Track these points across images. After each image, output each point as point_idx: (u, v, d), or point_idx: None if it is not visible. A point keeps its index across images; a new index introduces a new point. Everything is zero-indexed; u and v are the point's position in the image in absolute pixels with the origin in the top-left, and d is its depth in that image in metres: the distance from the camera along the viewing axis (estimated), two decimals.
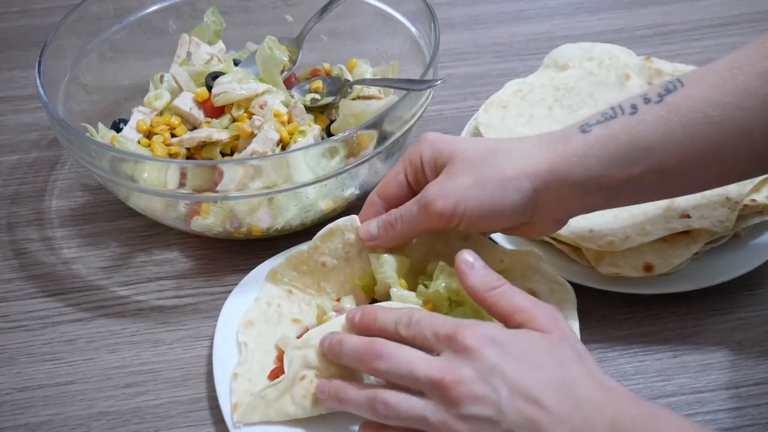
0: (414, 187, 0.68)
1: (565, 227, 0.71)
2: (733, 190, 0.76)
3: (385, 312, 0.62)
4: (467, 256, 0.61)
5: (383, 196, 0.69)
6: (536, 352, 0.56)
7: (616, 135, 0.61)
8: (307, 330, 0.69)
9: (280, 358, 0.68)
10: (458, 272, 0.61)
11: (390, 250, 0.69)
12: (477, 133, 0.87)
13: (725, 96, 0.60)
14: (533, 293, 0.66)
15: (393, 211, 0.67)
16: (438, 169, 0.65)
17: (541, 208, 0.63)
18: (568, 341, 0.57)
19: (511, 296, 0.59)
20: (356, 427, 0.62)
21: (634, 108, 0.61)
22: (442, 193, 0.62)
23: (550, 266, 0.68)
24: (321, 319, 0.70)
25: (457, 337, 0.56)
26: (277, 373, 0.67)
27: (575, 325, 0.66)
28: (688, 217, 0.74)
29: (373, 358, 0.58)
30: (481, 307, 0.61)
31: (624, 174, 0.61)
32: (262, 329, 0.71)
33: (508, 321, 0.59)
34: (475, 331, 0.56)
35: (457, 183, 0.62)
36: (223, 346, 0.70)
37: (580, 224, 0.74)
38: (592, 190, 0.61)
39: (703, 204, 0.75)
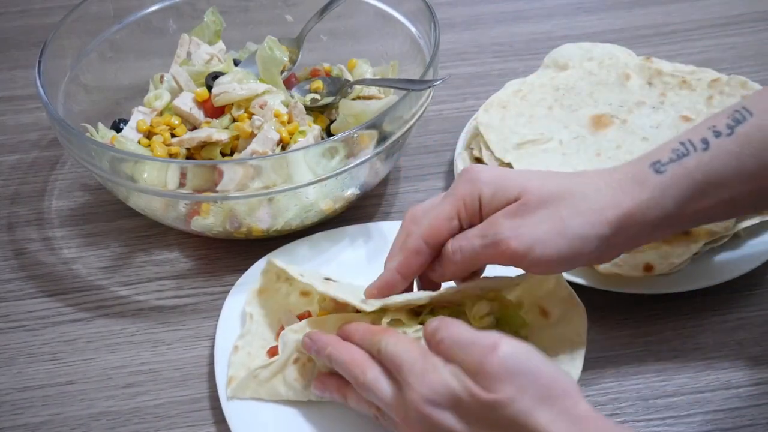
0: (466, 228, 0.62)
1: None
2: None
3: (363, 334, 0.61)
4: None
5: (432, 242, 0.61)
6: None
7: (691, 173, 0.59)
8: (308, 313, 0.69)
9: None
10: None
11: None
12: (477, 133, 0.87)
13: None
14: (544, 312, 0.66)
15: (449, 242, 0.60)
16: (500, 204, 0.59)
17: (610, 248, 0.60)
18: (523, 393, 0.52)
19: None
20: (342, 415, 0.64)
21: (706, 143, 0.60)
22: (516, 232, 0.57)
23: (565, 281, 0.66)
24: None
25: (412, 406, 0.54)
26: (275, 351, 0.67)
27: (580, 353, 0.64)
28: None
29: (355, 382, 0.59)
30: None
31: (696, 208, 0.60)
32: (269, 301, 0.71)
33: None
34: (429, 393, 0.53)
35: (534, 224, 0.57)
36: (225, 346, 0.70)
37: None
38: (663, 227, 0.61)
39: None
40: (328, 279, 0.70)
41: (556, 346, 0.64)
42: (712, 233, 0.74)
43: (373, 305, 0.61)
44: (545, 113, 0.87)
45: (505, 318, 0.65)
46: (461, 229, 0.61)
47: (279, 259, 0.72)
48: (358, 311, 0.66)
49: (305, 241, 0.79)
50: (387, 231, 0.78)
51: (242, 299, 0.73)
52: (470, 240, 0.59)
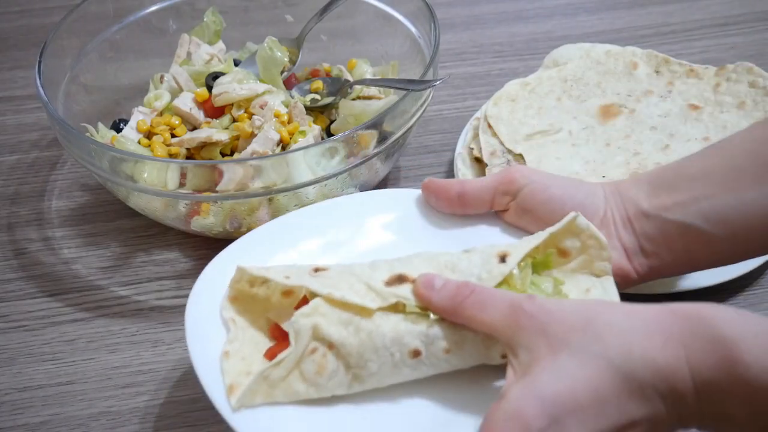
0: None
1: None
2: None
3: None
4: (425, 278, 0.57)
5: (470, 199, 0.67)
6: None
7: (663, 170, 0.65)
8: (305, 300, 0.59)
9: (274, 334, 0.60)
10: (421, 299, 0.57)
11: None
12: (477, 134, 0.87)
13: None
14: (564, 252, 0.62)
15: None
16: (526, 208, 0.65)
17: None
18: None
19: (481, 308, 0.54)
20: (376, 406, 0.57)
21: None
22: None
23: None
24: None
25: None
26: (275, 351, 0.59)
27: (610, 283, 0.61)
28: None
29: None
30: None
31: (670, 200, 0.62)
32: (248, 306, 0.62)
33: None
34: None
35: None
36: (203, 354, 0.60)
37: None
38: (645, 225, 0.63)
39: None
40: (318, 269, 0.61)
41: (584, 282, 0.61)
42: None
43: (385, 300, 0.56)
44: (554, 104, 0.87)
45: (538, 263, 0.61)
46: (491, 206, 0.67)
47: (238, 251, 0.65)
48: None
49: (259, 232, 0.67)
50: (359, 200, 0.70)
51: (205, 308, 0.62)
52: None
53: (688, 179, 0.61)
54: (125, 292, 0.80)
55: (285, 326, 0.58)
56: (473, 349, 0.56)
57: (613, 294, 0.61)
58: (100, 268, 0.82)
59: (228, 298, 0.62)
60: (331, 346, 0.56)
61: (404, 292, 0.57)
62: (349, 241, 0.67)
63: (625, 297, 0.73)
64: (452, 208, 0.67)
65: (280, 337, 0.60)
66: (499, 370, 0.56)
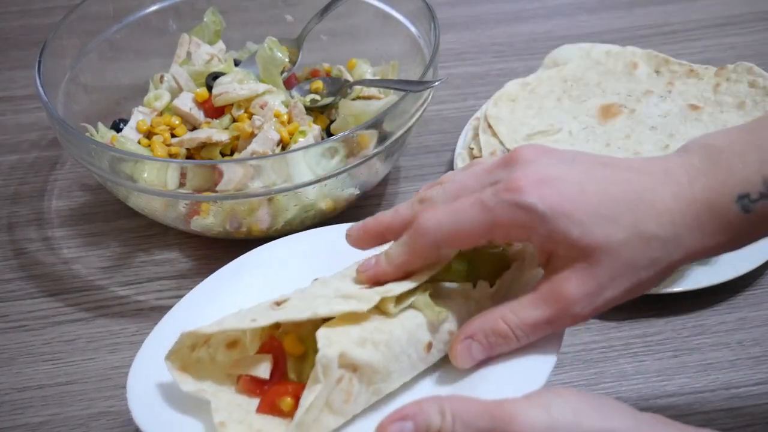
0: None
1: None
2: None
3: None
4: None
5: (446, 248, 0.56)
6: None
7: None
8: (271, 342, 0.57)
9: (249, 387, 0.56)
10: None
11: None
12: (477, 134, 0.87)
13: None
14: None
15: (496, 322, 0.53)
16: (559, 259, 0.52)
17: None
18: None
19: None
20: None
21: None
22: (589, 301, 0.52)
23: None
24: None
25: None
26: (272, 400, 0.54)
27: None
28: None
29: None
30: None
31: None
32: (201, 373, 0.57)
33: None
34: None
35: (606, 291, 0.51)
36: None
37: None
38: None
39: None
40: (279, 302, 0.57)
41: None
42: None
43: (370, 300, 0.54)
44: (554, 104, 0.88)
45: (477, 260, 0.58)
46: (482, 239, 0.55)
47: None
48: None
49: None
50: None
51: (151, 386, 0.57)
52: (534, 317, 0.52)
53: None
54: (125, 292, 0.80)
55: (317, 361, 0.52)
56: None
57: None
58: (100, 268, 0.82)
59: (176, 370, 0.56)
60: (355, 369, 0.52)
61: (383, 288, 0.55)
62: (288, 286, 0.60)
63: None
64: None
65: (259, 388, 0.56)
66: None
